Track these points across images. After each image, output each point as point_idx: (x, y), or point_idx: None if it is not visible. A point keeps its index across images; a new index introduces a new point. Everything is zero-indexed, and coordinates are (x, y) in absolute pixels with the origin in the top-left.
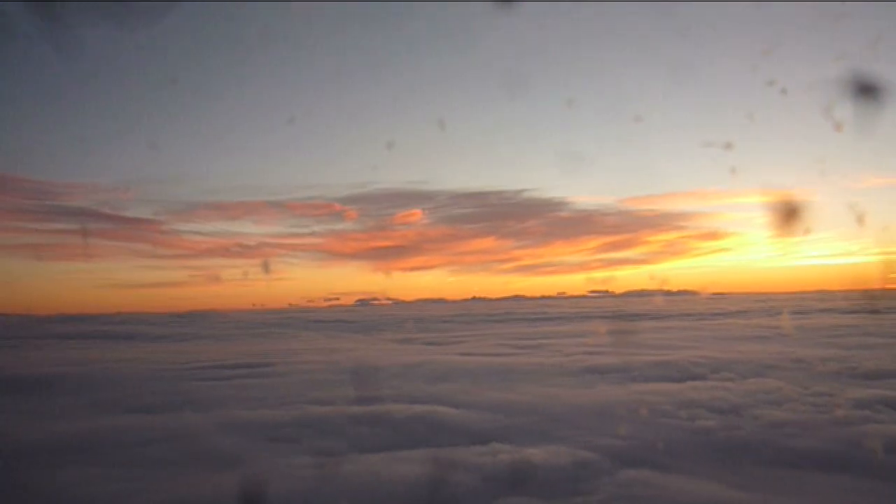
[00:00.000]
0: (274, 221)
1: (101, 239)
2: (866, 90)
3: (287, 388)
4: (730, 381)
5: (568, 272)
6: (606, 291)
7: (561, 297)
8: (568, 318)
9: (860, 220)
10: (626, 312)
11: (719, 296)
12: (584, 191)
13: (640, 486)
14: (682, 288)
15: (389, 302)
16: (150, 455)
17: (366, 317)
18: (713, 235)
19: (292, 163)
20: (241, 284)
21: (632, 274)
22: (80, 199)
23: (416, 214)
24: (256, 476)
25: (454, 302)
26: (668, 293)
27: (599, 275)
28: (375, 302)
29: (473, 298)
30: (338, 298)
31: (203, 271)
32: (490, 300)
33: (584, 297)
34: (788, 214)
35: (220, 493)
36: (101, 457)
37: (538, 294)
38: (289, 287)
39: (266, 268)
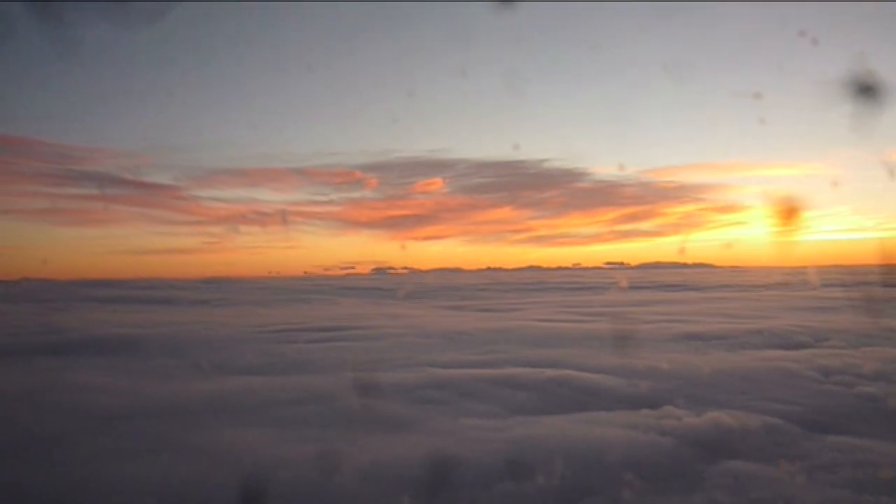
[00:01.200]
0: (293, 189)
1: (120, 204)
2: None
3: (389, 351)
4: (844, 349)
5: (582, 244)
6: (622, 263)
7: (577, 269)
8: (603, 287)
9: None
10: (658, 283)
11: (737, 269)
12: (607, 161)
13: (850, 451)
14: (698, 261)
15: (405, 271)
16: (302, 415)
17: (394, 285)
18: (730, 208)
19: (314, 130)
20: (256, 252)
21: (646, 246)
22: (100, 164)
23: (437, 183)
24: (457, 436)
25: (470, 272)
26: (685, 266)
27: (615, 246)
28: (391, 271)
29: (488, 268)
30: (353, 267)
31: (219, 238)
32: (505, 270)
33: (599, 268)
34: (805, 189)
35: (416, 455)
36: (252, 417)
37: (554, 265)
38: (303, 255)
39: (285, 220)
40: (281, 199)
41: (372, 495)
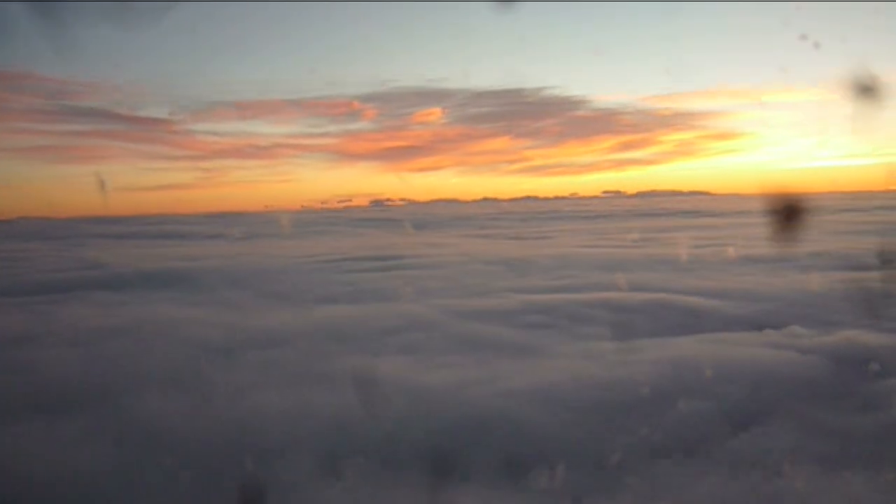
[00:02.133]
0: (290, 121)
1: (114, 140)
2: None
3: (457, 279)
4: None
5: (578, 173)
6: (619, 192)
7: (575, 198)
8: (620, 216)
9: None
10: (671, 210)
11: (735, 196)
12: (606, 88)
13: None
14: (695, 189)
15: (403, 203)
16: (418, 342)
17: (403, 216)
18: (727, 135)
19: (312, 60)
20: (251, 186)
21: (642, 175)
22: (95, 99)
23: (436, 113)
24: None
25: (468, 202)
26: (682, 194)
27: (612, 175)
28: (389, 203)
29: (484, 199)
30: (350, 200)
31: (214, 173)
32: (502, 200)
33: (597, 197)
34: (803, 116)
35: (566, 378)
36: (368, 345)
37: (551, 195)
38: (298, 188)
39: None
40: (277, 131)
41: (554, 421)
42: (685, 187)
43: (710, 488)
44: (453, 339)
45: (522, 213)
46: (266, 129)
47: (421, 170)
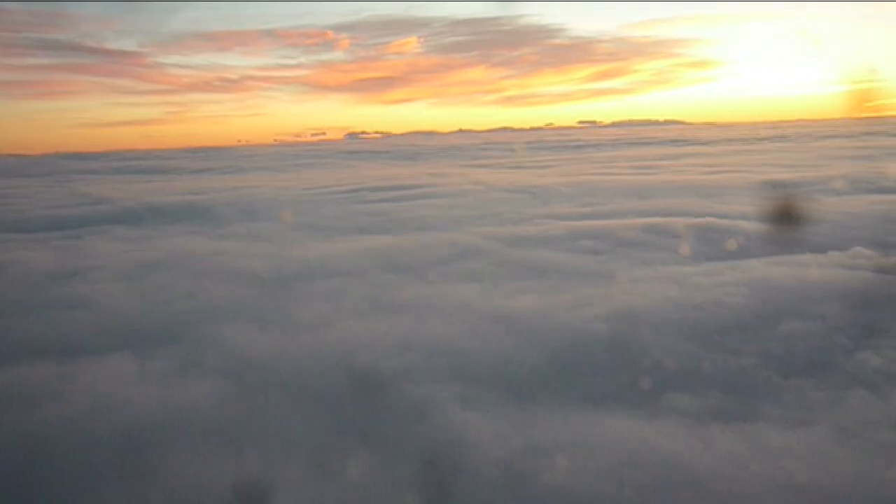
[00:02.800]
0: (263, 52)
1: (83, 74)
2: None
3: (484, 207)
4: None
5: (552, 103)
6: (594, 122)
7: (551, 129)
8: (607, 145)
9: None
10: (656, 139)
11: (710, 125)
12: (586, 16)
13: None
14: (669, 118)
15: (379, 135)
16: (478, 270)
17: (382, 148)
18: (702, 63)
19: None
20: (221, 120)
21: (617, 105)
22: (62, 31)
23: (412, 42)
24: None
25: (444, 134)
26: (656, 123)
27: (586, 104)
28: (364, 136)
29: (460, 131)
30: (324, 133)
31: (184, 107)
32: (477, 132)
33: (573, 127)
34: (779, 42)
35: (657, 300)
36: (430, 274)
37: (527, 126)
38: (269, 122)
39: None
40: (248, 63)
41: (666, 343)
42: (660, 116)
43: (858, 404)
44: (512, 266)
45: (506, 142)
46: (238, 61)
47: (394, 102)
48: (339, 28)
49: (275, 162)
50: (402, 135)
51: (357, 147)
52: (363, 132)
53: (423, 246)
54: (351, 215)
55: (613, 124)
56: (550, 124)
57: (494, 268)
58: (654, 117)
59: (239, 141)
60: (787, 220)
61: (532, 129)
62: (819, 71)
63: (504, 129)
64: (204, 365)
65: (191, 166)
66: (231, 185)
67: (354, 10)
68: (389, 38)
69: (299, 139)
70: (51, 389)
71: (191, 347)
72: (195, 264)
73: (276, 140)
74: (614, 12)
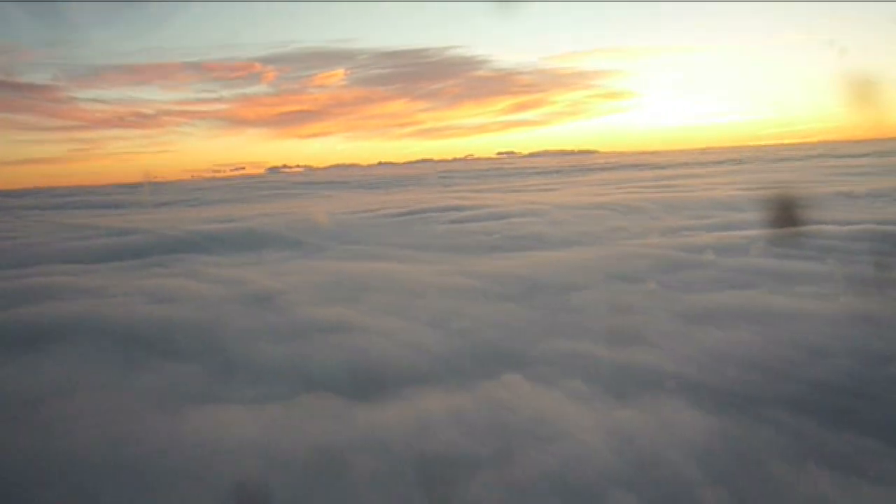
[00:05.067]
0: (184, 86)
1: None
2: None
3: (594, 224)
4: None
5: (466, 135)
6: (512, 152)
7: (472, 159)
8: (571, 171)
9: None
10: (616, 164)
11: (621, 154)
12: (511, 48)
13: None
14: (582, 147)
15: (301, 169)
16: (714, 278)
17: (320, 180)
18: (615, 95)
19: (213, 20)
20: (128, 158)
21: (531, 136)
22: None
23: (338, 75)
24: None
25: (365, 167)
26: (570, 153)
27: (501, 136)
28: (286, 170)
29: (380, 164)
30: (243, 168)
31: (89, 144)
32: (397, 164)
33: (492, 158)
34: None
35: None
36: (674, 283)
37: (448, 157)
38: (178, 159)
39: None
40: (167, 97)
41: None
42: (574, 147)
43: None
44: (753, 273)
45: (455, 171)
46: (157, 95)
47: (310, 136)
48: (267, 60)
49: (234, 194)
50: (323, 168)
51: (294, 180)
52: (284, 166)
53: (612, 258)
54: (451, 235)
55: (530, 154)
56: (470, 155)
57: (734, 275)
58: (568, 147)
59: (149, 178)
60: None
61: (454, 159)
62: (721, 103)
63: (423, 160)
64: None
65: (137, 200)
66: (239, 214)
67: (281, 42)
68: (316, 70)
69: (217, 174)
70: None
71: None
72: (399, 285)
73: (192, 176)
74: (540, 43)
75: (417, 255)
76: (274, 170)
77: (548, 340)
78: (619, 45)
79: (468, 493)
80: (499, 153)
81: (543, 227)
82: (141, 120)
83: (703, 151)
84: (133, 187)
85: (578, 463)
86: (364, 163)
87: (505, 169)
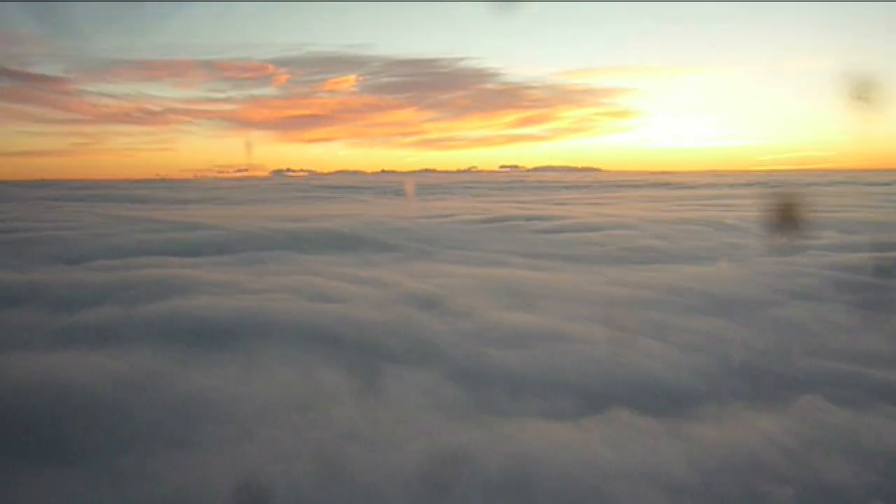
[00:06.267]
0: (195, 84)
1: None
2: None
3: (699, 240)
4: None
5: (469, 147)
6: (516, 166)
7: (474, 171)
8: (604, 187)
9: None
10: (639, 182)
11: (624, 173)
12: (524, 61)
13: None
14: (586, 165)
15: (305, 173)
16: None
17: (332, 184)
18: (621, 113)
19: (230, 18)
20: (126, 154)
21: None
22: None
23: (349, 81)
24: None
25: (370, 174)
26: (575, 170)
27: (504, 150)
28: (290, 174)
29: (383, 171)
30: (247, 169)
31: (91, 139)
32: (400, 173)
33: (495, 171)
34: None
35: None
36: None
37: (452, 168)
38: (178, 158)
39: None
40: (176, 95)
41: None
42: (577, 163)
43: None
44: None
45: (477, 182)
46: (166, 91)
47: (313, 141)
48: (280, 62)
49: (261, 195)
50: (327, 174)
51: (309, 183)
52: (289, 169)
53: (767, 274)
54: (558, 245)
55: (535, 169)
56: (473, 167)
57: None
58: (570, 164)
59: (158, 175)
60: None
61: (458, 171)
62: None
63: (427, 170)
64: None
65: (155, 196)
66: (302, 214)
67: (296, 45)
68: (328, 74)
69: (221, 174)
70: None
71: None
72: (564, 293)
73: (195, 176)
74: (553, 58)
75: (542, 264)
76: (278, 173)
77: (804, 359)
78: (631, 64)
79: None
80: (501, 167)
81: (651, 241)
82: (146, 116)
83: (711, 174)
84: (141, 183)
85: None
86: (367, 170)
87: (527, 182)
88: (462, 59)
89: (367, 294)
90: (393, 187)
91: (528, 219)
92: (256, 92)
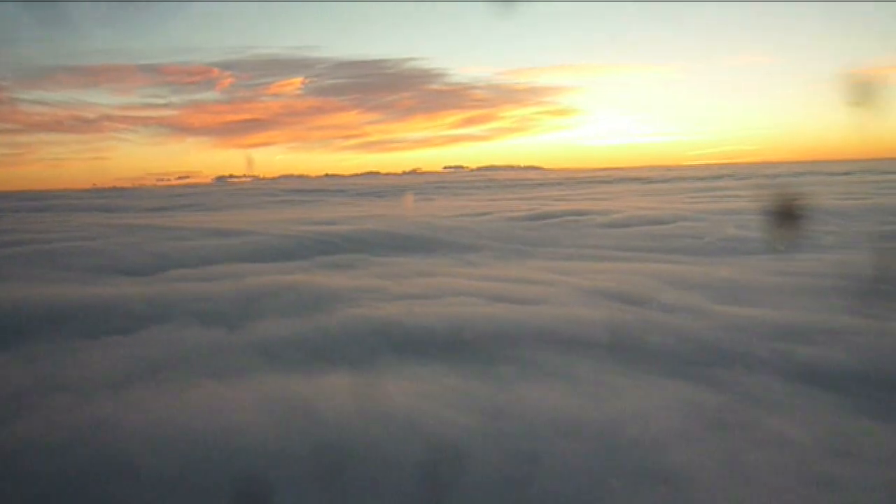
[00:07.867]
0: (133, 90)
1: None
2: None
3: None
4: None
5: (411, 149)
6: (460, 167)
7: (418, 173)
8: (552, 184)
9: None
10: (609, 178)
11: (566, 171)
12: (470, 61)
13: None
14: (528, 164)
15: (249, 179)
16: None
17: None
18: (562, 112)
19: (172, 23)
20: (57, 164)
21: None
22: None
23: (294, 84)
24: None
25: (313, 178)
26: (517, 168)
27: (446, 150)
28: (233, 180)
29: (326, 175)
30: (188, 176)
31: (21, 149)
32: (344, 176)
33: (439, 172)
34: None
35: None
36: None
37: (397, 170)
38: (112, 167)
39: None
40: (114, 101)
41: None
42: (519, 162)
43: None
44: None
45: (446, 182)
46: (104, 98)
47: (252, 146)
48: (226, 65)
49: (232, 200)
50: (273, 179)
51: (260, 188)
52: (231, 175)
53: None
54: (641, 238)
55: (479, 169)
56: (418, 169)
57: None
58: (513, 163)
59: (94, 184)
60: None
61: (403, 173)
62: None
63: (370, 173)
64: None
65: (120, 205)
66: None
67: (240, 48)
68: (274, 77)
69: (160, 182)
70: None
71: None
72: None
73: (132, 184)
74: (499, 57)
75: (662, 257)
76: (221, 179)
77: None
78: (574, 62)
79: None
80: (445, 167)
81: (736, 231)
82: (80, 124)
83: (661, 168)
84: (74, 193)
85: None
86: (311, 174)
87: (498, 180)
88: (408, 59)
89: (548, 293)
90: (371, 190)
91: (580, 214)
92: (198, 97)
